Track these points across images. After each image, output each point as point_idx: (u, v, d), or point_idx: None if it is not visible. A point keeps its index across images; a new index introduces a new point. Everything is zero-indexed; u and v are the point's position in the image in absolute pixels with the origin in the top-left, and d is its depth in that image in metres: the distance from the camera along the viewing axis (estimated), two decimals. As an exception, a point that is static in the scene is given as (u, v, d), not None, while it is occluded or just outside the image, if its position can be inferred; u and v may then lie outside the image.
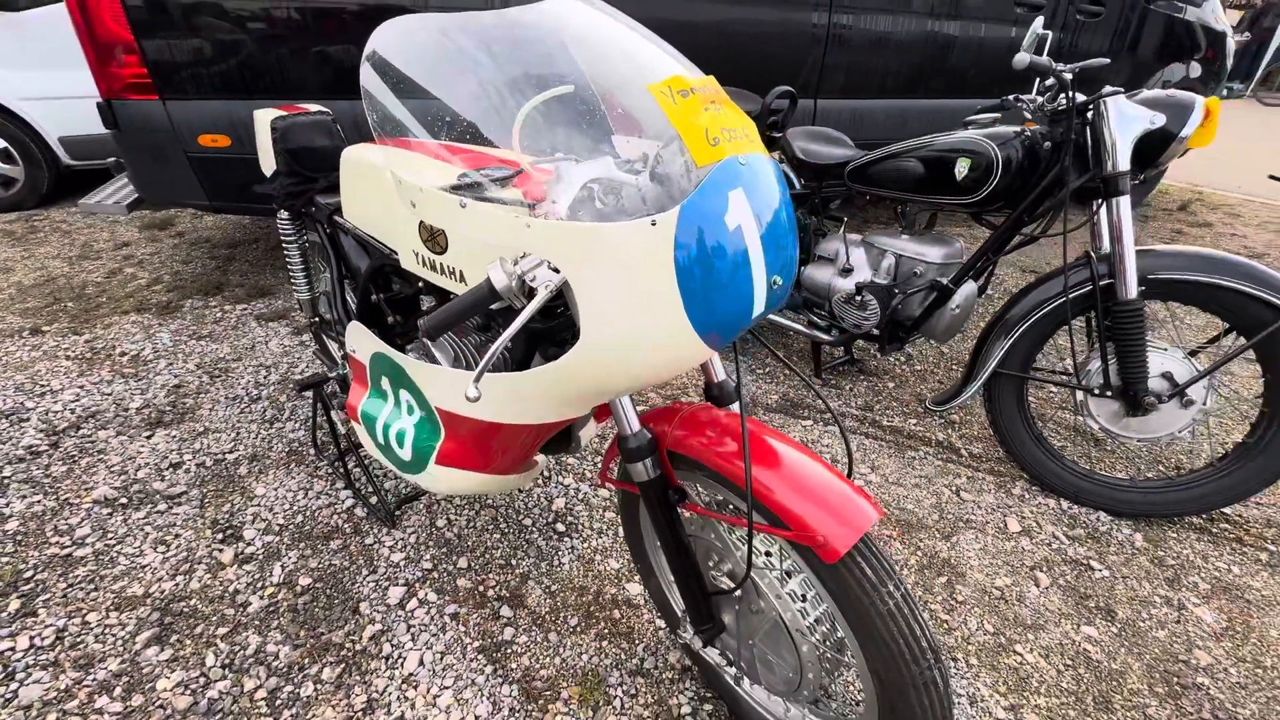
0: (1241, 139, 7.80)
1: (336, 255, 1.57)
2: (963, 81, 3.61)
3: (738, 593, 0.97)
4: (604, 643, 1.38)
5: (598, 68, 0.85)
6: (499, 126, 0.92)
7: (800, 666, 0.93)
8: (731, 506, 0.95)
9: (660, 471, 0.95)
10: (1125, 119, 1.53)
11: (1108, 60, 1.57)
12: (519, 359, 1.19)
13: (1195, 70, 4.38)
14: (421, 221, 1.05)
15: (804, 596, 0.93)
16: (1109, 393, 1.68)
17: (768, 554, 0.97)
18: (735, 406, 1.05)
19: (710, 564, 1.02)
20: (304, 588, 1.48)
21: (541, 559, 1.59)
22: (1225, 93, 12.09)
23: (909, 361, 2.60)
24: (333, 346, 2.02)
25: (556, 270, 0.81)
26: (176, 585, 1.48)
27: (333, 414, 1.67)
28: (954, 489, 1.86)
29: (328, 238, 1.57)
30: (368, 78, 0.89)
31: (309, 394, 2.24)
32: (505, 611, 1.44)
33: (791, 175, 2.39)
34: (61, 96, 4.00)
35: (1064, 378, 1.76)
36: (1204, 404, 1.61)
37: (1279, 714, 1.26)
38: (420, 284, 1.27)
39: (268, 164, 1.66)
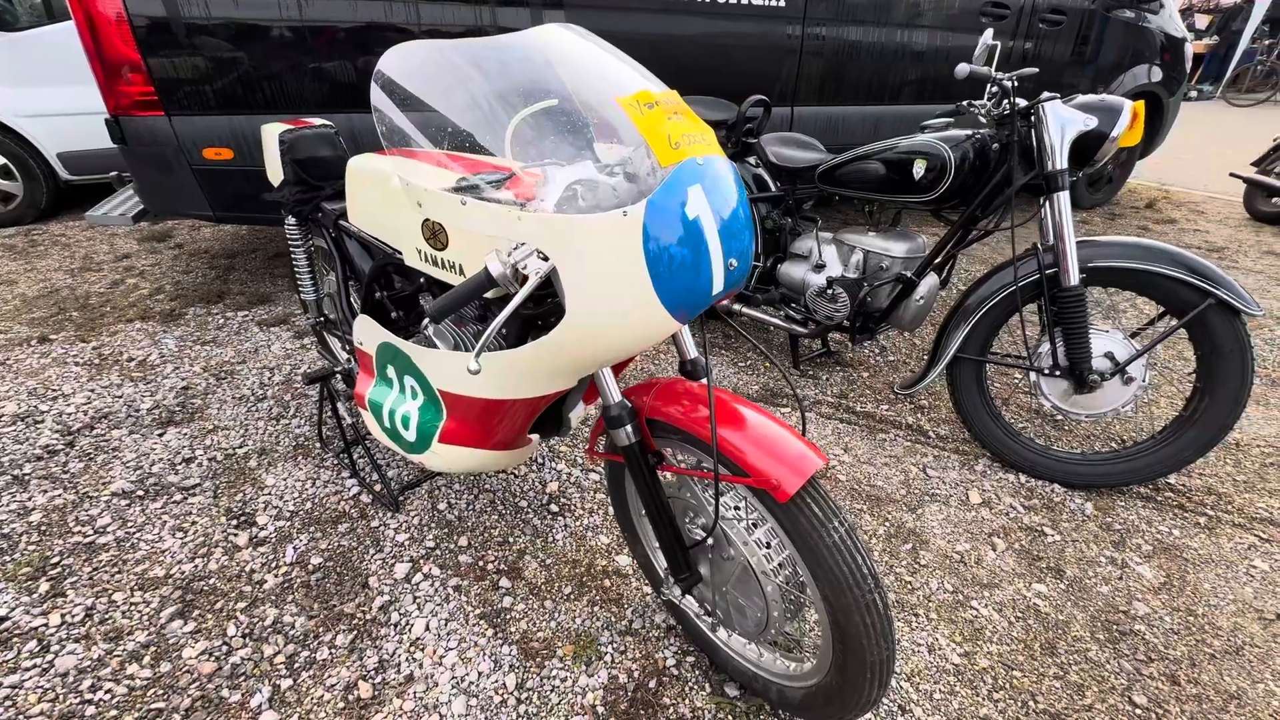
0: (1209, 139, 8.06)
1: (342, 257, 1.69)
2: (931, 89, 3.79)
3: (709, 541, 1.10)
4: (595, 608, 1.50)
5: (578, 84, 0.98)
6: (493, 136, 1.04)
7: (766, 607, 1.05)
8: (704, 464, 1.08)
9: (640, 438, 1.08)
10: (1061, 121, 1.68)
11: (1036, 70, 1.72)
12: (512, 343, 1.31)
13: (1156, 75, 4.59)
14: (425, 221, 1.18)
15: (768, 544, 1.06)
16: (1058, 372, 1.82)
17: (736, 508, 1.09)
18: (706, 380, 1.18)
19: (687, 520, 1.15)
20: (315, 566, 1.60)
21: (537, 536, 1.70)
22: (1195, 94, 12.47)
23: (882, 353, 2.74)
24: (335, 344, 2.14)
25: (545, 258, 0.94)
26: (196, 567, 1.59)
27: (339, 407, 1.79)
28: (921, 467, 2.00)
29: (333, 241, 1.69)
30: (378, 97, 1.02)
31: (315, 388, 2.35)
32: (504, 583, 1.56)
33: (766, 178, 2.53)
34: (59, 113, 4.10)
35: (1018, 360, 1.90)
36: (1143, 381, 1.76)
37: (1205, 654, 1.40)
38: (422, 280, 1.40)
39: (275, 174, 1.78)
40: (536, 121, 1.17)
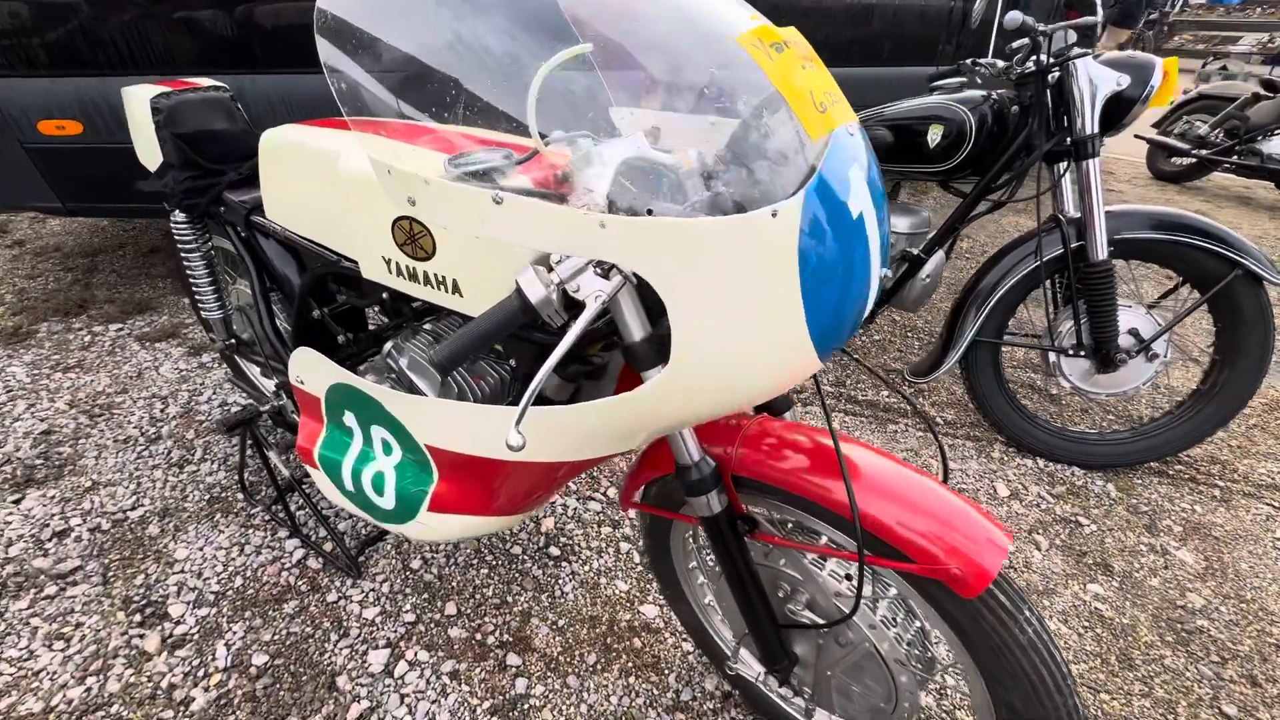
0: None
1: (258, 264, 1.29)
2: (903, 49, 3.62)
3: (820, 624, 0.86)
4: (630, 679, 1.24)
5: (646, 14, 0.68)
6: (507, 96, 0.73)
7: (895, 695, 0.84)
8: (826, 537, 0.83)
9: (728, 502, 0.82)
10: (1094, 80, 1.54)
11: (1098, 19, 1.54)
12: (525, 377, 1.00)
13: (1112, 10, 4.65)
14: (398, 221, 0.84)
15: (895, 619, 0.84)
16: (1082, 352, 1.72)
17: (847, 576, 0.86)
18: (789, 416, 0.93)
19: (780, 595, 0.91)
20: (261, 668, 1.23)
21: (540, 591, 1.42)
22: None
23: (865, 333, 2.60)
24: (253, 370, 1.71)
25: (606, 274, 0.65)
26: (89, 691, 1.18)
27: (270, 454, 1.40)
28: (908, 422, 1.87)
29: (243, 244, 1.29)
30: (327, 49, 0.68)
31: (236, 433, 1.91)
32: (512, 660, 1.27)
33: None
34: None
35: (1038, 340, 1.79)
36: (1165, 356, 1.69)
37: (1270, 645, 1.34)
38: (384, 295, 1.05)
39: (150, 154, 1.34)
40: (568, 76, 0.86)
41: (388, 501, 1.04)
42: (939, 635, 1.11)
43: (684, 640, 1.31)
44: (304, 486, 1.60)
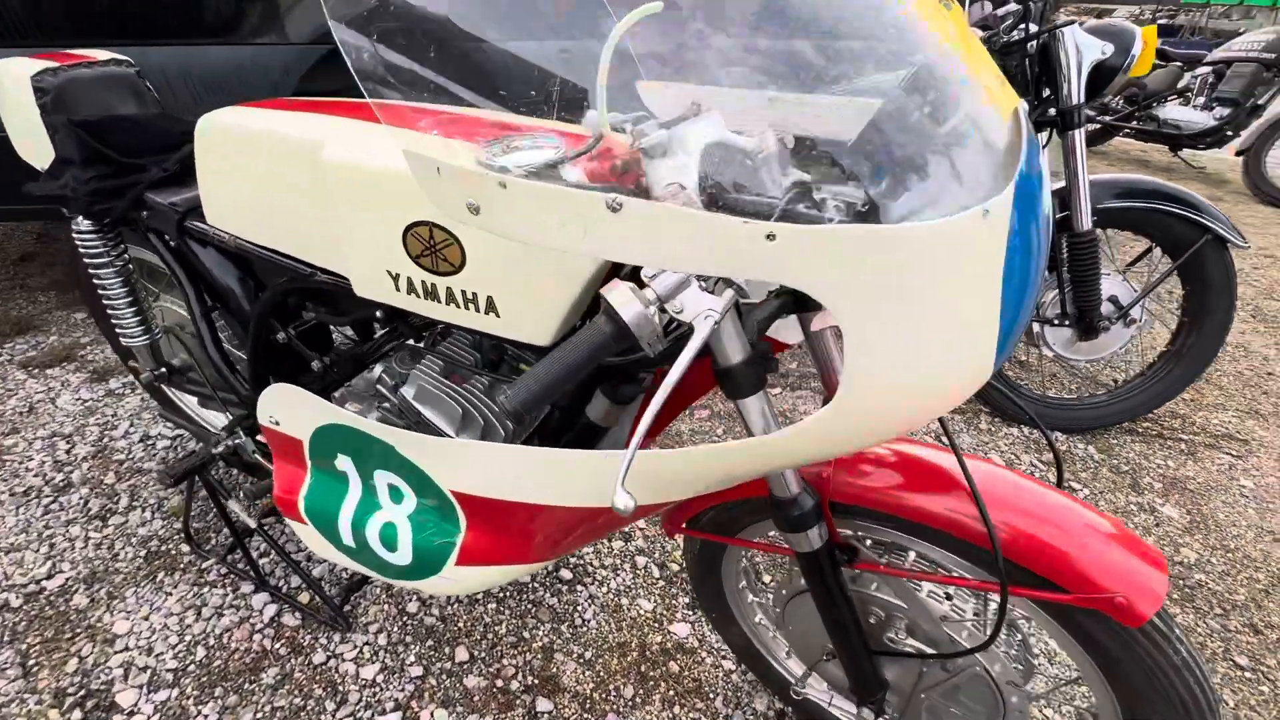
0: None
1: (195, 280, 1.06)
2: None
3: (918, 650, 0.80)
4: (675, 708, 1.15)
5: None
6: (574, 71, 0.58)
7: (1000, 712, 0.79)
8: (933, 561, 0.76)
9: (829, 535, 0.73)
10: (1080, 49, 1.53)
11: None
12: (567, 405, 0.87)
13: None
14: (412, 229, 0.68)
15: (1008, 640, 0.78)
16: (1066, 321, 1.75)
17: (947, 597, 0.80)
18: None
19: (872, 621, 0.83)
20: (247, 757, 1.05)
21: (559, 621, 1.29)
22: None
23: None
24: (187, 402, 1.46)
25: (712, 289, 0.53)
26: (26, 818, 0.96)
27: (230, 503, 1.19)
28: (934, 434, 1.87)
29: (173, 255, 1.06)
30: (343, 31, 0.51)
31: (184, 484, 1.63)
32: (542, 705, 1.14)
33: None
34: None
35: (1023, 312, 1.81)
36: (1142, 321, 1.75)
37: (1259, 591, 1.42)
38: (378, 314, 0.87)
39: (34, 147, 1.07)
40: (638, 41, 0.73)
41: (402, 556, 0.88)
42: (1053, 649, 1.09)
43: (723, 659, 1.23)
44: (263, 528, 1.39)
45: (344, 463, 0.90)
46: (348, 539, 0.92)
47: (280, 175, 0.81)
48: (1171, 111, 4.56)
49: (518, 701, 1.15)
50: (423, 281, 0.72)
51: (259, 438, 1.19)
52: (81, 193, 0.96)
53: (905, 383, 0.48)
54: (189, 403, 1.46)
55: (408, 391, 0.86)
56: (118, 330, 1.16)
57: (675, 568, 1.42)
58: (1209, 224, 1.60)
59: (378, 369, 0.97)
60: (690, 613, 1.32)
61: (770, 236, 0.43)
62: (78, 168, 0.97)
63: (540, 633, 1.27)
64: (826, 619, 0.79)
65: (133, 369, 1.33)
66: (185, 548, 1.41)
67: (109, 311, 1.14)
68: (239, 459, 1.21)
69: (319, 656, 1.21)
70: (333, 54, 2.18)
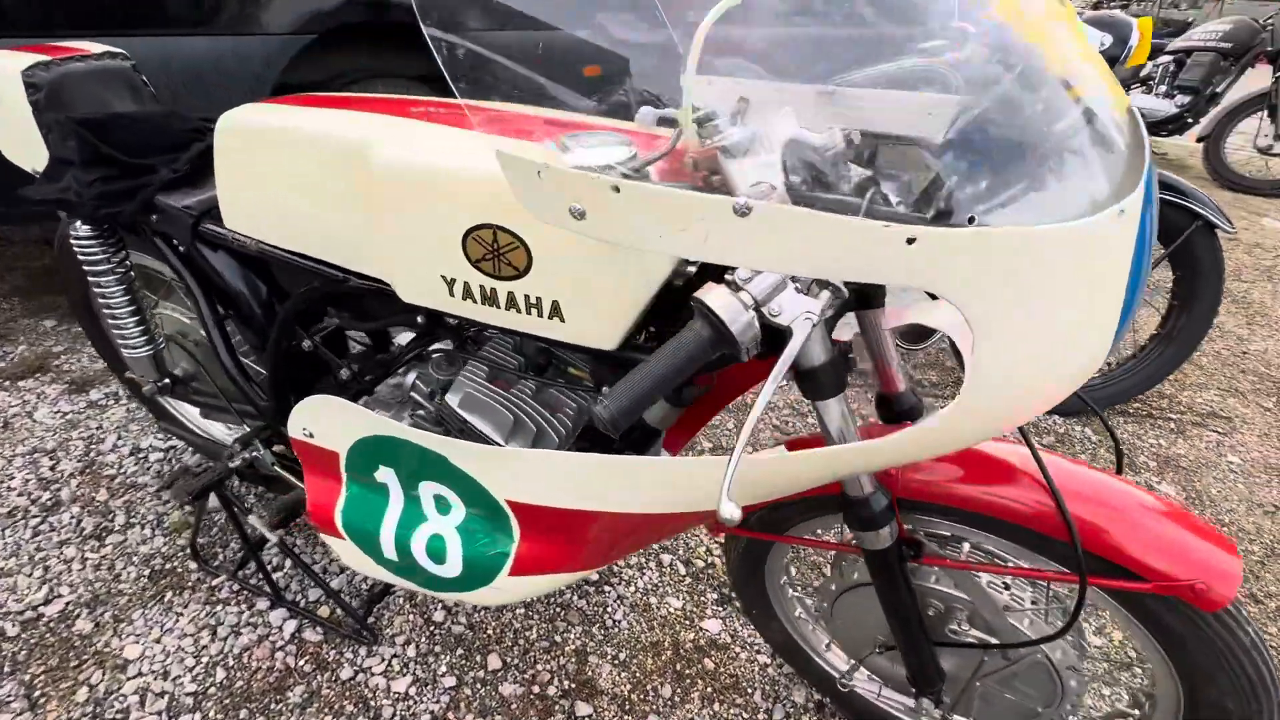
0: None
1: (205, 286, 1.01)
2: None
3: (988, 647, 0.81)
4: (715, 705, 1.15)
5: None
6: (664, 65, 0.57)
7: (1058, 695, 0.81)
8: (988, 552, 0.76)
9: (899, 533, 0.73)
10: (1081, 40, 1.55)
11: None
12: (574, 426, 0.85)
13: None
14: (473, 233, 0.66)
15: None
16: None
17: (1006, 587, 0.81)
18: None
19: (931, 613, 0.84)
20: (282, 780, 1.02)
21: (590, 624, 1.28)
22: None
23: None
24: (187, 413, 1.40)
25: (808, 290, 0.53)
26: None
27: (250, 517, 1.14)
28: (938, 422, 1.90)
29: (181, 259, 1.00)
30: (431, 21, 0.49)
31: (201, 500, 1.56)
32: (582, 709, 1.13)
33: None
34: None
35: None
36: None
37: (1254, 562, 1.48)
38: (420, 320, 0.84)
39: (24, 147, 1.00)
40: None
41: (451, 569, 0.86)
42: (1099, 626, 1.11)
43: (758, 653, 1.24)
44: (282, 541, 1.34)
45: (385, 474, 0.87)
46: (390, 553, 0.89)
47: (315, 176, 0.77)
48: (1135, 100, 4.71)
49: (556, 707, 1.13)
50: (481, 286, 0.69)
51: (276, 449, 1.14)
52: (87, 196, 0.90)
53: (1030, 379, 0.48)
54: (188, 414, 1.39)
55: (452, 399, 0.83)
56: (120, 341, 1.10)
57: (700, 564, 1.41)
58: (1198, 210, 1.65)
59: (411, 375, 0.94)
60: (720, 609, 1.32)
61: (910, 240, 0.42)
62: (79, 169, 0.91)
63: (572, 636, 1.26)
64: (891, 614, 0.79)
65: (129, 381, 1.26)
66: (193, 565, 1.35)
67: (110, 322, 1.08)
68: (254, 472, 1.16)
69: (346, 672, 1.17)
70: (314, 44, 2.10)
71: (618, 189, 0.46)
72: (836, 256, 0.44)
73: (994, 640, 0.79)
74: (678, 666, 1.21)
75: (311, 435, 0.88)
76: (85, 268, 1.01)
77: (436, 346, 0.95)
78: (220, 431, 1.45)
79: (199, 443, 1.39)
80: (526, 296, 0.68)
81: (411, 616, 1.27)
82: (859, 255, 0.44)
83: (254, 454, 1.10)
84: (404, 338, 1.14)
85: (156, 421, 1.43)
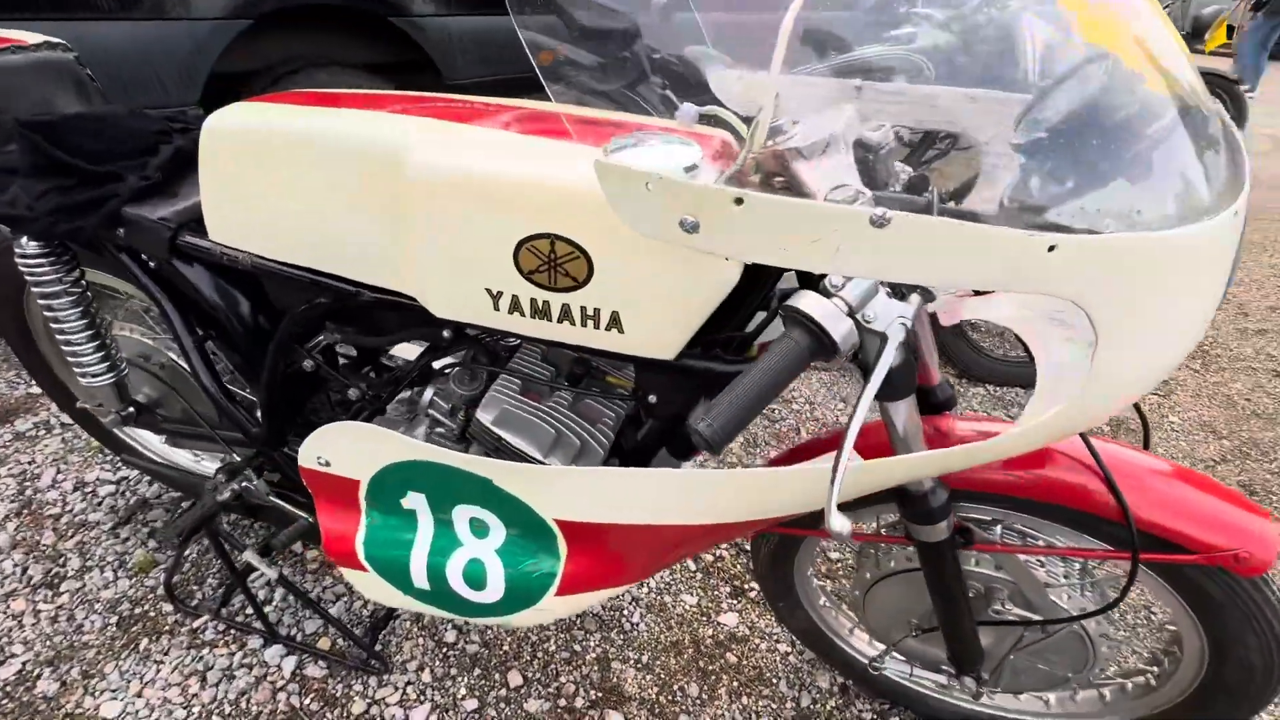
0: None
1: (181, 306, 0.91)
2: None
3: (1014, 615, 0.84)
4: (743, 699, 1.16)
5: None
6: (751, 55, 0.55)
7: (1089, 661, 0.85)
8: (1022, 531, 0.79)
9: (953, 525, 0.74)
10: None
11: None
12: (671, 416, 0.83)
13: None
14: (527, 243, 0.62)
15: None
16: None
17: (1040, 563, 0.85)
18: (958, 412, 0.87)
19: (971, 595, 0.86)
20: (306, 830, 0.95)
21: (607, 629, 1.26)
22: None
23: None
24: (149, 442, 1.28)
25: (902, 295, 0.53)
26: None
27: (245, 554, 1.05)
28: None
29: (154, 278, 0.90)
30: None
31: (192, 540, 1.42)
32: (612, 718, 1.12)
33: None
34: None
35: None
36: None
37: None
38: (445, 333, 0.79)
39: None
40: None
41: (492, 594, 0.82)
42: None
43: (777, 643, 1.25)
44: (267, 566, 1.24)
45: (414, 500, 0.81)
46: (421, 582, 0.84)
47: (327, 182, 0.70)
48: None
49: (586, 717, 1.11)
50: (532, 299, 0.65)
51: (268, 477, 1.06)
52: (40, 210, 0.78)
53: (1142, 373, 0.50)
54: (150, 443, 1.27)
55: (485, 416, 0.79)
56: (77, 369, 0.97)
57: (709, 558, 1.42)
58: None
59: (428, 392, 0.89)
60: (735, 601, 1.33)
61: (1051, 248, 0.42)
62: (28, 179, 0.79)
63: (591, 643, 1.23)
64: (939, 599, 0.81)
65: (79, 411, 1.13)
66: (167, 606, 1.24)
67: (65, 348, 0.95)
68: (242, 503, 1.07)
69: (359, 705, 1.11)
70: (250, 30, 1.93)
71: (740, 201, 0.44)
72: (976, 266, 0.44)
73: (1035, 616, 0.82)
74: (701, 664, 1.21)
75: (329, 464, 0.81)
76: (35, 289, 0.89)
77: (448, 360, 0.89)
78: (186, 459, 1.33)
79: (163, 472, 1.26)
80: (584, 308, 0.65)
81: (421, 640, 1.21)
82: (999, 265, 0.43)
83: (246, 485, 1.01)
84: (402, 351, 1.07)
85: (116, 454, 1.29)
